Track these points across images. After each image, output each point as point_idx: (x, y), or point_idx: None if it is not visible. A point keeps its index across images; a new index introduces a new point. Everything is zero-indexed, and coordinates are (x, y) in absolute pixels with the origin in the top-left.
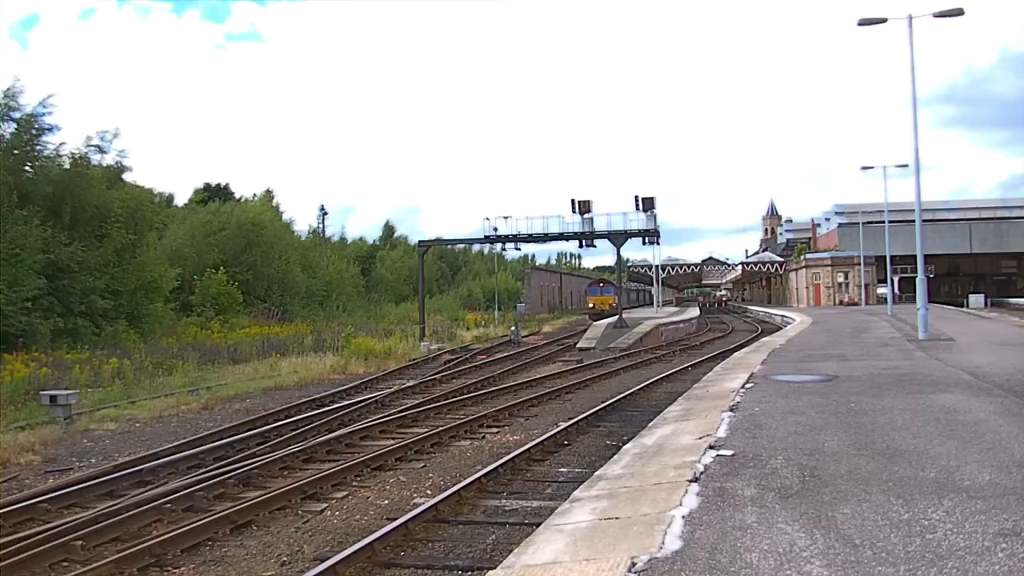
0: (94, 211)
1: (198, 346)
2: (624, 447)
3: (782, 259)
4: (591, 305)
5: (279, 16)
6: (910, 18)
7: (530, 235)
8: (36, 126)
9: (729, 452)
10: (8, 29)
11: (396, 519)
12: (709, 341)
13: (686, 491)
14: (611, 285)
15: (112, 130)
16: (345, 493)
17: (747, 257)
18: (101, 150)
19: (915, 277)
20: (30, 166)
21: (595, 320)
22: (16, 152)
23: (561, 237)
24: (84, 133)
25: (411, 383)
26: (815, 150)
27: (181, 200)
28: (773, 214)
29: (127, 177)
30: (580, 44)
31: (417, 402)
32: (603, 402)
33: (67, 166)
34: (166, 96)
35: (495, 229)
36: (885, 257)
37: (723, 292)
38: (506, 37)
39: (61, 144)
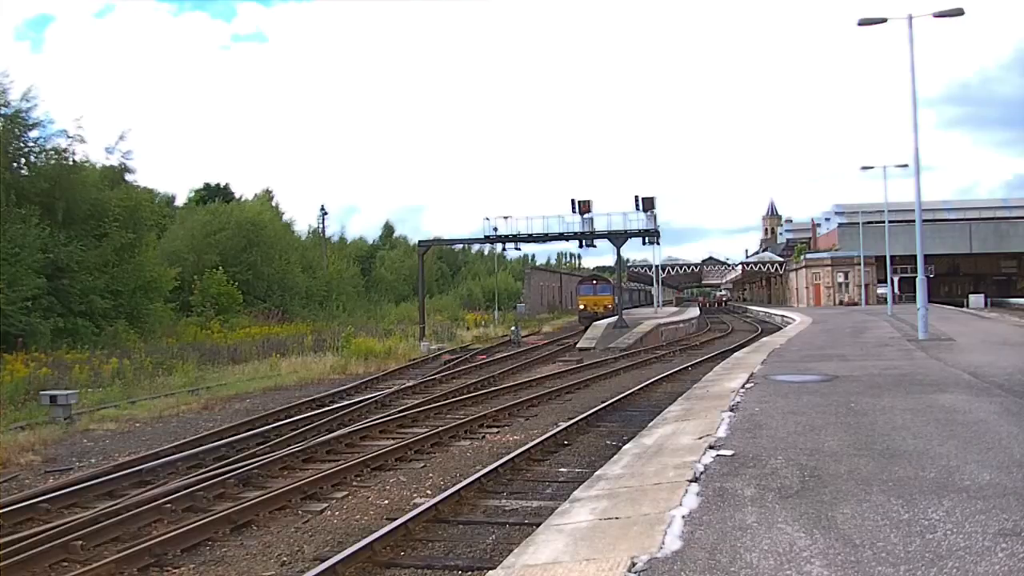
0: (90, 209)
1: (198, 346)
2: (624, 447)
3: (782, 259)
4: (582, 306)
5: (283, 17)
6: (910, 18)
7: (530, 235)
8: (23, 121)
9: (729, 452)
10: (14, 30)
11: (396, 519)
12: (709, 341)
13: (686, 491)
14: (607, 283)
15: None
16: (345, 493)
17: (747, 257)
18: (108, 152)
19: (915, 277)
20: (24, 162)
21: (593, 322)
22: (10, 151)
23: (561, 237)
24: (88, 135)
25: (411, 383)
26: (815, 150)
27: (181, 200)
28: (773, 214)
29: (127, 177)
30: (580, 45)
31: (417, 402)
32: (603, 402)
33: (52, 160)
34: (168, 96)
35: (495, 229)
36: (885, 257)
37: (723, 292)
38: (507, 38)
39: (49, 135)
